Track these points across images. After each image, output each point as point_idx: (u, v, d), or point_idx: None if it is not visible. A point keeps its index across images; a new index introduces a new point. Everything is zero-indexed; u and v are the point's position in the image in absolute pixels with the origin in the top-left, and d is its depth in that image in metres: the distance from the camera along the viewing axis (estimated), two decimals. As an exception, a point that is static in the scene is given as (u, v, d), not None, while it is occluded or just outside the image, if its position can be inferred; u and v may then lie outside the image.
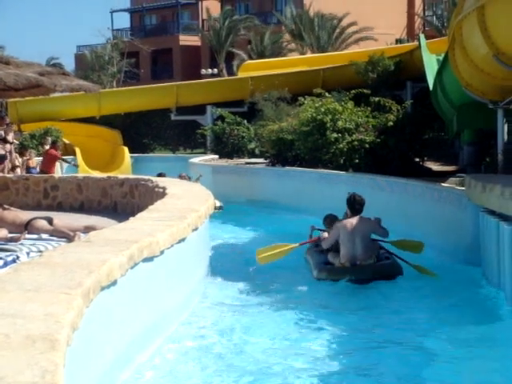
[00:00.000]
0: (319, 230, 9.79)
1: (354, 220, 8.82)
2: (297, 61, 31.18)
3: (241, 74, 29.90)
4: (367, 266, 8.57)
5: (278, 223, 14.11)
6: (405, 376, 5.45)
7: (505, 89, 10.77)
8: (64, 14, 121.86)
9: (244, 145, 24.28)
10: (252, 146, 24.01)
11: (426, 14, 44.90)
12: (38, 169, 18.19)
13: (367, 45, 34.40)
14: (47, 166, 17.69)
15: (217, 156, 23.89)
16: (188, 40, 48.91)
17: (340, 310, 7.37)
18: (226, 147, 24.42)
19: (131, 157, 26.85)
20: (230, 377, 5.27)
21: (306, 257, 9.37)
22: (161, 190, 9.06)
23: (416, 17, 45.35)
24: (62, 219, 8.96)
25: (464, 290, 8.11)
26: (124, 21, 68.05)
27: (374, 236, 9.06)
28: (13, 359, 2.48)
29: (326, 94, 17.01)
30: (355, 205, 8.94)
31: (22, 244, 7.56)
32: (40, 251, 6.97)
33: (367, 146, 15.15)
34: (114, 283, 4.38)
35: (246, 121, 24.92)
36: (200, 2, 48.94)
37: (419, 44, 20.03)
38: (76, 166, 22.10)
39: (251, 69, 29.73)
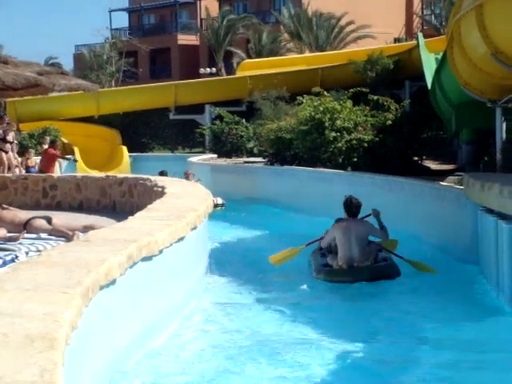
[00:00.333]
0: (314, 241, 9.79)
1: (350, 222, 8.89)
2: (295, 60, 31.18)
3: (239, 73, 29.90)
4: (364, 267, 8.62)
5: (277, 222, 14.11)
6: (402, 372, 5.45)
7: (503, 87, 10.77)
8: (62, 13, 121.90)
9: (242, 144, 24.28)
10: (251, 145, 24.01)
11: (425, 12, 44.92)
12: (36, 168, 18.17)
13: (366, 43, 34.39)
14: (46, 165, 17.65)
15: (215, 155, 23.87)
16: (186, 39, 48.88)
17: (339, 311, 7.37)
18: (225, 146, 24.41)
19: (130, 156, 26.85)
20: (229, 378, 5.26)
21: (309, 259, 9.43)
22: (160, 189, 9.06)
23: (414, 16, 45.36)
24: (61, 218, 8.96)
25: (461, 288, 8.11)
26: (122, 20, 67.93)
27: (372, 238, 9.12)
28: (11, 358, 2.48)
29: (325, 93, 17.02)
30: (352, 208, 9.01)
31: (20, 243, 7.55)
32: (39, 250, 6.96)
33: (366, 144, 15.16)
34: (113, 282, 4.38)
35: (244, 120, 24.92)
36: (198, 2, 48.92)
37: (418, 43, 20.04)
38: (75, 160, 22.08)
39: (250, 68, 29.73)
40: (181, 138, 31.61)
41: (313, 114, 15.95)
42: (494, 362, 5.67)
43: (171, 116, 29.59)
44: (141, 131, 31.20)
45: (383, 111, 15.90)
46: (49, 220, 8.43)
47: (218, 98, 27.92)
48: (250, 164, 19.75)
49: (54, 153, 18.21)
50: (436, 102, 15.50)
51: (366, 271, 8.54)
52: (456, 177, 12.69)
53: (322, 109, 15.91)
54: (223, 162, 21.94)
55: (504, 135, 11.83)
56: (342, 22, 37.22)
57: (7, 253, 6.97)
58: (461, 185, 10.21)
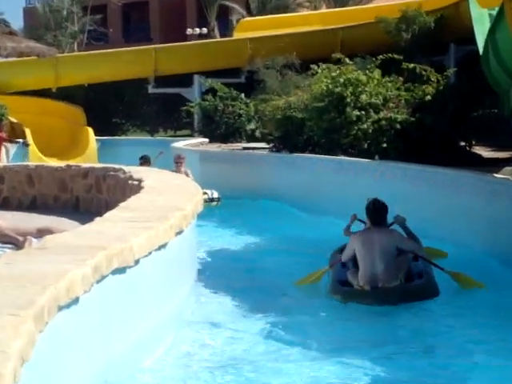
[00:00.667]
0: (362, 221, 9.83)
1: (373, 233, 8.92)
2: (308, 17, 31.15)
3: (237, 35, 29.88)
4: (391, 289, 8.61)
5: (285, 224, 14.15)
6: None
7: None
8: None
9: (241, 125, 24.27)
10: (251, 126, 24.01)
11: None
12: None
13: (399, -3, 34.31)
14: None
15: (206, 139, 23.89)
16: (169, -9, 48.94)
17: (358, 341, 7.38)
18: (219, 128, 24.41)
19: (97, 140, 26.85)
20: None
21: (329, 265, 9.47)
22: (136, 183, 9.07)
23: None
24: (8, 220, 8.96)
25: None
26: (87, -34, 67.74)
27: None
28: None
29: (347, 61, 16.99)
30: (375, 214, 9.05)
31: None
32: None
33: (398, 126, 15.14)
34: (76, 301, 4.38)
35: (243, 95, 24.91)
36: None
37: (466, -5, 20.00)
38: (27, 144, 22.08)
39: (250, 28, 29.71)
40: (162, 117, 31.62)
41: (331, 87, 15.92)
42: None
43: (150, 89, 29.58)
44: (111, 109, 31.22)
45: (421, 83, 15.86)
46: (-7, 221, 8.43)
47: (210, 67, 27.90)
48: (251, 151, 19.76)
49: (0, 135, 18.25)
50: (490, 70, 15.46)
51: (394, 294, 8.53)
52: (515, 167, 12.68)
53: (342, 80, 15.88)
54: (216, 148, 21.94)
55: None
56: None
57: None
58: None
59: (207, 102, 25.07)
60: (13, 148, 21.73)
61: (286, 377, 6.28)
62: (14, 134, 24.74)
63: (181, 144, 22.14)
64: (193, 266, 8.39)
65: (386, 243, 8.79)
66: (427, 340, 7.35)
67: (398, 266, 8.79)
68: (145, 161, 16.01)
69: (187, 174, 15.60)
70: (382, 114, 15.38)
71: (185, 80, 28.45)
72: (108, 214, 6.58)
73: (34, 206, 11.31)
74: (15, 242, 7.96)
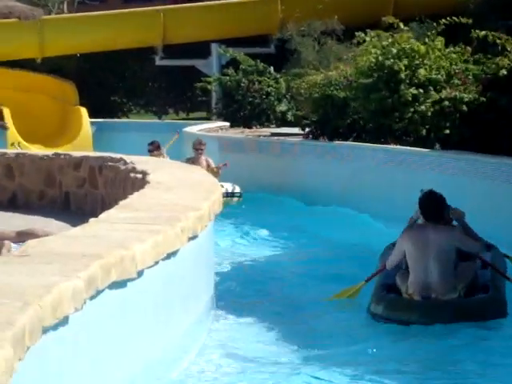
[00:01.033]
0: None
1: (427, 231, 8.94)
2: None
3: (265, -6, 29.89)
4: (445, 303, 8.63)
5: (318, 226, 14.21)
6: None
7: None
8: None
9: (270, 106, 24.26)
10: (282, 107, 23.99)
11: None
12: None
13: None
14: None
15: (227, 123, 23.90)
16: None
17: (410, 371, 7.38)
18: (242, 110, 24.41)
19: (92, 123, 26.94)
20: None
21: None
22: (139, 176, 9.09)
23: None
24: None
25: None
26: None
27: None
28: None
29: (401, 26, 16.94)
30: (430, 208, 9.08)
31: None
32: None
33: (464, 107, 15.08)
34: (65, 322, 4.37)
35: (272, 68, 24.89)
36: None
37: None
38: (5, 128, 22.18)
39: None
40: (172, 95, 31.68)
41: (381, 59, 15.90)
42: None
43: (158, 61, 29.62)
44: (109, 84, 31.28)
45: (494, 55, 15.79)
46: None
47: (232, 33, 27.91)
48: (281, 138, 19.76)
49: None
50: None
51: (448, 309, 8.56)
52: None
53: (395, 51, 15.85)
54: (239, 133, 21.93)
55: None
56: None
57: None
58: None
59: (228, 78, 25.05)
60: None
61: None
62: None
63: (195, 129, 22.16)
64: (209, 278, 8.38)
65: (444, 244, 8.82)
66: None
67: (458, 274, 8.82)
68: (155, 147, 16.07)
69: (209, 165, 15.65)
70: (444, 93, 15.32)
71: (200, 50, 28.42)
72: (105, 215, 6.59)
73: (13, 203, 11.35)
74: (-9, 247, 7.99)
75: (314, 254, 12.31)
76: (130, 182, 9.38)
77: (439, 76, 15.56)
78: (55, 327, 4.25)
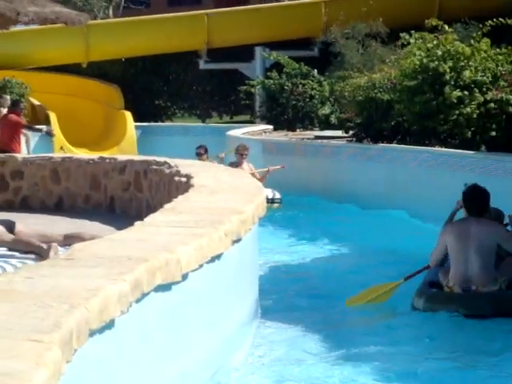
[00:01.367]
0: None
1: (470, 224, 8.94)
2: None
3: (309, -3, 29.87)
4: (485, 295, 8.65)
5: (364, 231, 14.18)
6: None
7: None
8: None
9: (313, 109, 24.26)
10: (326, 110, 23.97)
11: None
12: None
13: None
14: (6, 139, 17.88)
15: (270, 126, 23.92)
16: None
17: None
18: (285, 113, 24.42)
19: (137, 127, 27.04)
20: None
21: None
22: (183, 180, 9.10)
23: None
24: (29, 224, 9.05)
25: None
26: None
27: None
28: None
29: (445, 28, 16.88)
30: (474, 201, 9.10)
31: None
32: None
33: (511, 109, 15.00)
34: (111, 325, 4.38)
35: (316, 71, 24.87)
36: None
37: None
38: (51, 135, 22.32)
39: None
40: (216, 99, 31.72)
41: (425, 61, 15.86)
42: None
43: (202, 65, 29.70)
44: (154, 88, 31.39)
45: (542, 56, 15.73)
46: (10, 226, 8.51)
47: (276, 37, 27.91)
48: (325, 141, 19.74)
49: (18, 120, 18.42)
50: None
51: (488, 301, 8.56)
52: None
53: (440, 53, 15.81)
54: (283, 136, 21.94)
55: None
56: None
57: None
58: None
59: (271, 81, 25.08)
60: (34, 137, 21.96)
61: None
62: (36, 119, 25.03)
63: (238, 132, 22.19)
64: (253, 282, 8.37)
65: (485, 238, 8.83)
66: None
67: (500, 267, 8.85)
68: (203, 152, 16.12)
69: (252, 172, 15.57)
70: (490, 95, 15.25)
71: (244, 53, 28.48)
72: (150, 218, 6.60)
73: (59, 207, 11.40)
74: (38, 251, 8.03)
75: (365, 257, 12.25)
76: (174, 186, 9.40)
77: (485, 78, 15.50)
78: (102, 330, 4.24)
